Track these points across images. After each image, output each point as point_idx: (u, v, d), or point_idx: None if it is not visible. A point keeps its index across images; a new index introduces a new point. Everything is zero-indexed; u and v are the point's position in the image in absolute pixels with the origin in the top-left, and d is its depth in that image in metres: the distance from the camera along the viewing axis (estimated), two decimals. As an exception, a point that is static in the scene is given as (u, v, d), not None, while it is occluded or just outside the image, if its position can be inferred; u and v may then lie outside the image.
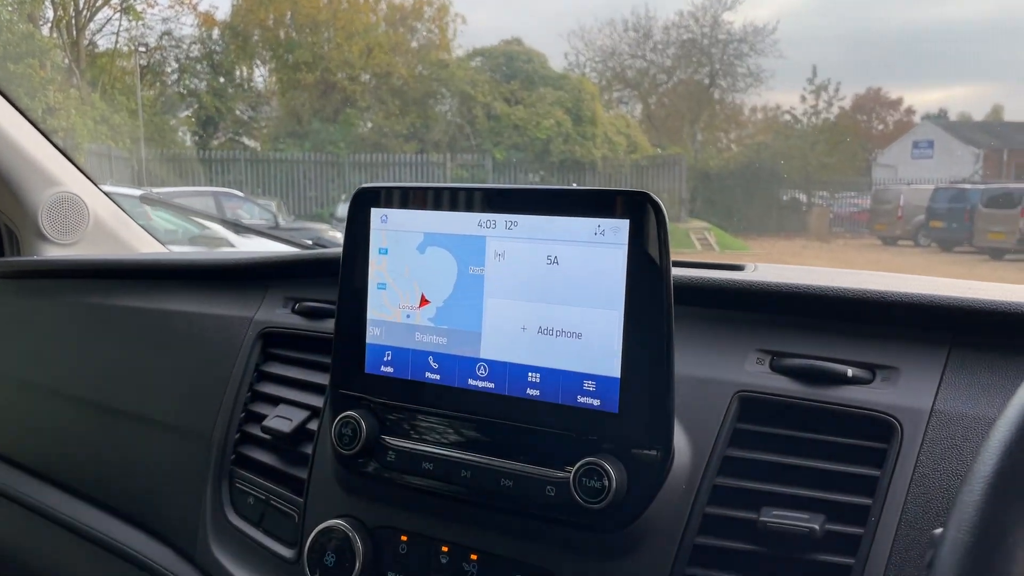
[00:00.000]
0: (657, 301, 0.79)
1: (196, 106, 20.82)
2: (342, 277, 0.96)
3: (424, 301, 0.93)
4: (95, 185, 1.85)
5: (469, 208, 0.89)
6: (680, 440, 0.84)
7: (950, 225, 15.17)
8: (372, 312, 0.95)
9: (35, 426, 1.48)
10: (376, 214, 0.95)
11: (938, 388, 0.80)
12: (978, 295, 0.82)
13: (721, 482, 0.83)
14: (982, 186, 16.67)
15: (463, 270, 0.90)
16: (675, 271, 0.80)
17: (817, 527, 0.76)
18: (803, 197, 20.75)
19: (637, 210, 0.80)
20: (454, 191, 0.90)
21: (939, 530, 0.56)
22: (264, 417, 1.11)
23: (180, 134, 20.67)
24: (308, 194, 17.56)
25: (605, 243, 0.82)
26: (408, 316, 0.93)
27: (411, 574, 0.93)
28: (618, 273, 0.81)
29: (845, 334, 0.87)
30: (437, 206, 0.91)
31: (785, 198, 20.56)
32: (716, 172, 20.97)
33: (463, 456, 0.89)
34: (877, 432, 0.80)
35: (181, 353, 1.26)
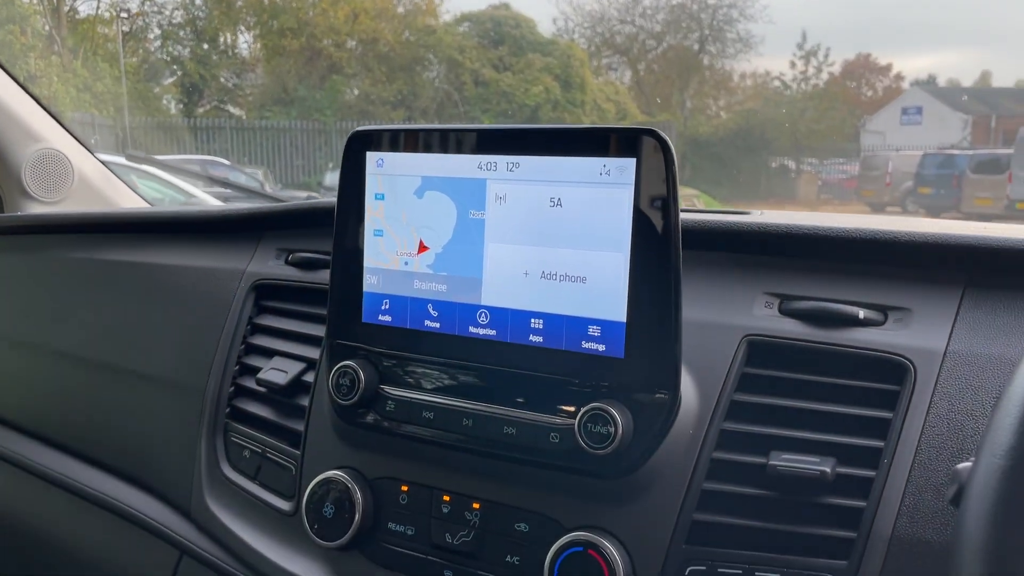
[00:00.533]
0: (665, 242, 0.77)
1: (180, 73, 20.53)
2: (337, 224, 0.93)
3: (422, 247, 0.90)
4: (79, 142, 1.81)
5: (469, 150, 0.86)
6: (687, 385, 0.82)
7: (938, 191, 15.20)
8: (369, 260, 0.93)
9: (24, 384, 1.45)
10: (371, 158, 0.92)
11: (952, 329, 0.78)
12: (992, 234, 0.80)
13: (729, 427, 0.81)
14: (970, 152, 16.70)
15: (463, 214, 0.87)
16: (681, 215, 0.78)
17: (828, 470, 0.75)
18: (792, 164, 20.75)
19: (644, 148, 0.77)
20: (453, 132, 0.87)
21: (964, 464, 0.54)
22: (258, 370, 1.08)
23: (164, 102, 20.41)
24: (295, 162, 17.40)
25: (610, 183, 0.80)
26: (406, 263, 0.91)
27: (412, 524, 0.91)
28: (624, 214, 0.79)
29: (856, 276, 0.85)
30: (435, 148, 0.88)
31: (774, 165, 20.56)
32: (705, 139, 20.92)
33: (464, 404, 0.87)
34: (889, 374, 0.78)
35: (172, 307, 1.23)
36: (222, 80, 21.41)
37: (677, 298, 0.77)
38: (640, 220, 0.77)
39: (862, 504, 0.75)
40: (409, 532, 0.91)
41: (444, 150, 0.87)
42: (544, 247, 0.83)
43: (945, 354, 0.77)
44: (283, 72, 20.22)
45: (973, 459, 0.54)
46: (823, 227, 0.86)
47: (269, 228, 1.21)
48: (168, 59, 20.79)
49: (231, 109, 21.09)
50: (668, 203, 0.76)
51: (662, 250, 0.77)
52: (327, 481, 0.93)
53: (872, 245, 0.84)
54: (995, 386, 0.73)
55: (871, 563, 0.72)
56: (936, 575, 0.69)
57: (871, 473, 0.75)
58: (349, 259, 0.93)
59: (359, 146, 0.92)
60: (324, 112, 18.62)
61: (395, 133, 0.90)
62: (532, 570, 0.83)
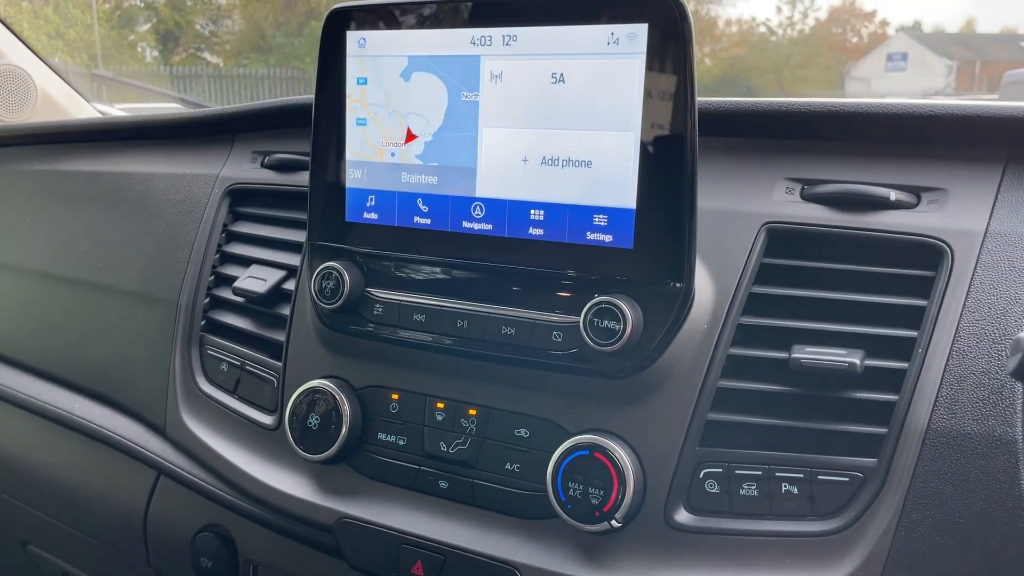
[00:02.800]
0: (680, 119, 0.69)
1: (155, 20, 20.01)
2: (315, 114, 0.85)
3: (410, 136, 0.82)
4: (42, 60, 1.70)
5: (460, 23, 0.78)
6: (701, 277, 0.76)
7: (923, 137, 15.14)
8: (351, 152, 0.85)
9: None
10: (352, 38, 0.83)
11: (993, 208, 0.72)
12: None
13: (747, 321, 0.75)
14: (955, 99, 16.62)
15: (454, 97, 0.80)
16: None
17: (857, 362, 0.69)
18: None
19: (657, 12, 0.70)
20: (443, 4, 0.78)
21: (1028, 330, 0.48)
22: (235, 280, 1.01)
23: (139, 49, 19.91)
24: (276, 109, 17.08)
25: (619, 54, 0.72)
26: (393, 154, 0.83)
27: (404, 434, 0.85)
28: (634, 88, 0.72)
29: (885, 157, 0.78)
30: (423, 24, 0.80)
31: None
32: (690, 86, 20.67)
33: (458, 305, 0.80)
34: (924, 259, 0.72)
35: (141, 217, 1.14)
36: (198, 27, 20.90)
37: (692, 182, 0.70)
38: (652, 94, 0.70)
39: (894, 397, 0.69)
40: (400, 442, 0.85)
41: (432, 25, 0.79)
42: (545, 130, 0.76)
43: (985, 235, 0.70)
44: (260, 19, 19.77)
45: None
46: (849, 105, 0.79)
47: (243, 130, 1.13)
48: (142, 5, 20.26)
49: (208, 57, 20.63)
50: (684, 74, 0.69)
51: (676, 128, 0.70)
52: (311, 391, 0.87)
53: (903, 122, 0.77)
54: None
55: (904, 460, 0.67)
56: (976, 467, 0.64)
57: (903, 365, 0.69)
58: (330, 152, 0.85)
59: (338, 25, 0.83)
60: (303, 59, 18.22)
61: (378, 8, 0.82)
62: (534, 477, 0.78)
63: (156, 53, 19.70)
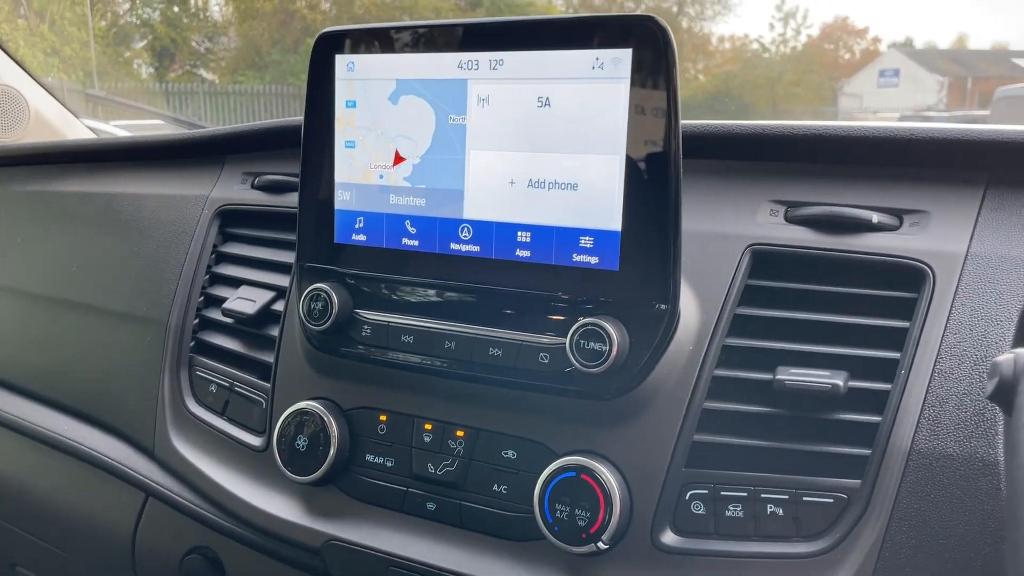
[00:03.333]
0: (664, 142, 0.70)
1: (150, 37, 20.07)
2: (305, 136, 0.86)
3: (399, 158, 0.83)
4: (35, 79, 1.71)
5: (447, 48, 0.79)
6: (687, 299, 0.76)
7: (916, 153, 15.20)
8: (340, 174, 0.86)
9: None
10: (341, 62, 0.84)
11: (973, 230, 0.73)
12: (1015, 129, 0.74)
13: (732, 342, 0.75)
14: (946, 114, 16.74)
15: (442, 120, 0.80)
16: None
17: (840, 383, 0.69)
18: (771, 127, 20.70)
19: (641, 37, 0.70)
20: (430, 29, 0.79)
21: (1006, 355, 0.49)
22: (224, 301, 1.01)
23: (135, 66, 19.96)
24: (270, 127, 17.11)
25: (604, 78, 0.73)
26: (381, 176, 0.84)
27: (391, 455, 0.85)
28: (619, 112, 0.72)
29: (867, 179, 0.79)
30: (411, 48, 0.81)
31: (753, 127, 20.48)
32: (684, 103, 20.78)
33: (446, 326, 0.80)
34: (906, 281, 0.73)
35: (131, 238, 1.15)
36: (194, 44, 20.97)
37: (677, 204, 0.71)
38: (637, 118, 0.71)
39: (877, 419, 0.69)
40: (388, 464, 0.85)
41: (420, 49, 0.80)
42: (531, 152, 0.77)
43: (967, 257, 0.71)
44: (256, 35, 19.84)
45: (1016, 351, 0.48)
46: (832, 128, 0.80)
47: (233, 151, 1.13)
48: (138, 22, 20.33)
49: (204, 74, 20.68)
50: (668, 97, 0.70)
51: (661, 152, 0.70)
52: (300, 413, 0.87)
53: (886, 145, 0.78)
54: (1022, 288, 0.68)
55: (887, 481, 0.67)
56: (959, 489, 0.64)
57: (886, 386, 0.70)
58: (319, 174, 0.86)
59: (327, 49, 0.84)
60: (299, 76, 18.25)
61: (366, 33, 0.82)
62: (521, 499, 0.78)
63: (152, 70, 19.75)
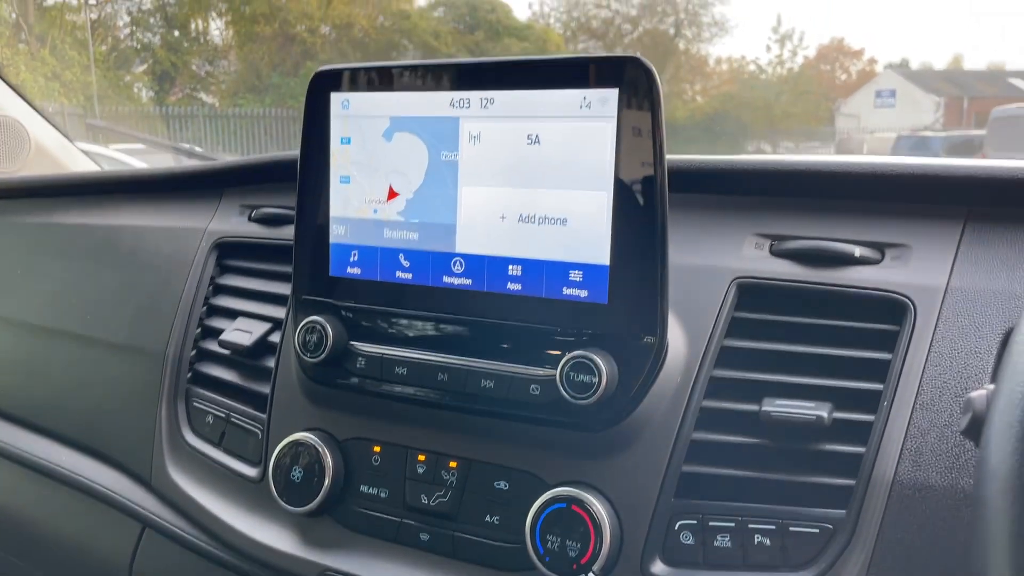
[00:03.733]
0: (650, 178, 0.72)
1: (151, 61, 20.23)
2: (301, 172, 0.88)
3: (392, 194, 0.85)
4: (35, 110, 1.73)
5: (440, 86, 0.81)
6: (674, 331, 0.78)
7: (912, 173, 15.25)
8: (335, 209, 0.87)
9: None
10: (336, 99, 0.86)
11: (953, 264, 0.74)
12: (994, 164, 0.76)
13: (719, 374, 0.77)
14: (943, 134, 16.84)
15: (434, 157, 0.82)
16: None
17: (824, 415, 0.71)
18: (768, 147, 20.85)
19: (628, 78, 0.72)
20: (423, 68, 0.81)
21: (978, 392, 0.50)
22: (221, 332, 1.03)
23: (136, 90, 20.10)
24: (270, 150, 17.18)
25: (591, 116, 0.75)
26: (375, 211, 0.86)
27: (385, 486, 0.86)
28: (606, 149, 0.74)
29: (850, 214, 0.81)
30: (404, 87, 0.83)
31: (750, 148, 20.62)
32: (682, 123, 20.96)
33: (439, 358, 0.82)
34: (888, 313, 0.74)
35: (130, 269, 1.16)
36: (194, 68, 21.13)
37: (663, 238, 0.72)
38: (623, 155, 0.73)
39: (861, 450, 0.70)
40: (382, 495, 0.86)
41: (414, 88, 0.82)
42: (521, 188, 0.79)
43: (946, 290, 0.73)
44: (256, 59, 20.00)
45: (988, 387, 0.50)
46: (815, 163, 0.81)
47: (231, 184, 1.15)
48: (138, 47, 20.49)
49: (204, 97, 20.83)
50: (654, 135, 0.72)
51: (647, 187, 0.72)
52: (295, 444, 0.88)
53: (867, 180, 0.79)
54: (1000, 322, 0.70)
55: (871, 510, 0.68)
56: (941, 519, 0.65)
57: (870, 417, 0.71)
58: (314, 209, 0.87)
59: (322, 87, 0.86)
60: (299, 99, 18.30)
61: (361, 71, 0.84)
62: (513, 529, 0.79)
63: (152, 93, 19.88)
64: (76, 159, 1.76)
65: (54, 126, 1.73)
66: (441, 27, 20.71)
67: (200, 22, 21.33)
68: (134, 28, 20.43)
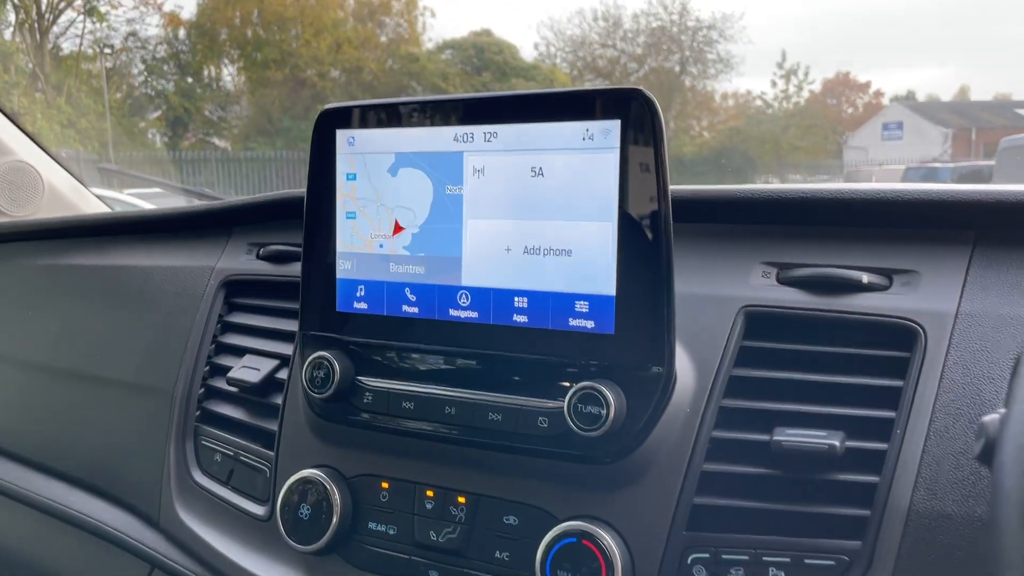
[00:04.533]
0: (654, 209, 0.72)
1: (164, 107, 20.55)
2: (307, 208, 0.88)
3: (398, 228, 0.85)
4: (48, 154, 1.75)
5: (444, 122, 0.81)
6: (682, 361, 0.77)
7: (922, 205, 15.22)
8: (342, 244, 0.88)
9: None
10: (342, 136, 0.87)
11: (963, 289, 0.74)
12: (1001, 188, 0.75)
13: (728, 403, 0.76)
14: (952, 165, 16.84)
15: (439, 191, 0.83)
16: (670, 187, 0.73)
17: (837, 444, 0.70)
18: (776, 181, 20.86)
19: (628, 109, 0.73)
20: (426, 104, 0.82)
21: (990, 416, 0.49)
22: (230, 369, 1.03)
23: (149, 136, 20.39)
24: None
25: (594, 148, 0.75)
26: (381, 246, 0.86)
27: (394, 523, 0.85)
28: (610, 181, 0.74)
29: (857, 240, 0.80)
30: (408, 122, 0.83)
31: (759, 182, 20.62)
32: (690, 159, 21.05)
33: (446, 392, 0.81)
34: (898, 340, 0.73)
35: (139, 309, 1.17)
36: (207, 113, 21.45)
37: (669, 268, 0.72)
38: (627, 186, 0.73)
39: (875, 479, 0.69)
40: (391, 532, 0.85)
41: (418, 124, 0.83)
42: (526, 220, 0.79)
43: (957, 316, 0.72)
44: (267, 103, 20.29)
45: (1001, 411, 0.49)
46: (821, 190, 0.81)
47: (239, 223, 1.16)
48: (152, 93, 20.83)
49: (216, 141, 21.11)
50: (656, 167, 0.72)
51: (651, 217, 0.72)
52: (303, 481, 0.88)
53: (874, 206, 0.79)
54: (1012, 346, 0.69)
55: (887, 541, 0.67)
56: (959, 549, 0.64)
57: (883, 445, 0.70)
58: (321, 245, 0.88)
59: (329, 124, 0.87)
60: (309, 141, 18.60)
61: (366, 109, 0.85)
62: (523, 565, 0.78)
63: (166, 139, 20.16)
64: (89, 201, 1.78)
65: (67, 170, 1.75)
66: (449, 69, 20.99)
67: (213, 68, 21.72)
68: (148, 76, 20.80)
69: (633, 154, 0.73)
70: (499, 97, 0.80)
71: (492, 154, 0.80)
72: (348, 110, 0.86)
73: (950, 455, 0.67)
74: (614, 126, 0.74)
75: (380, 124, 0.85)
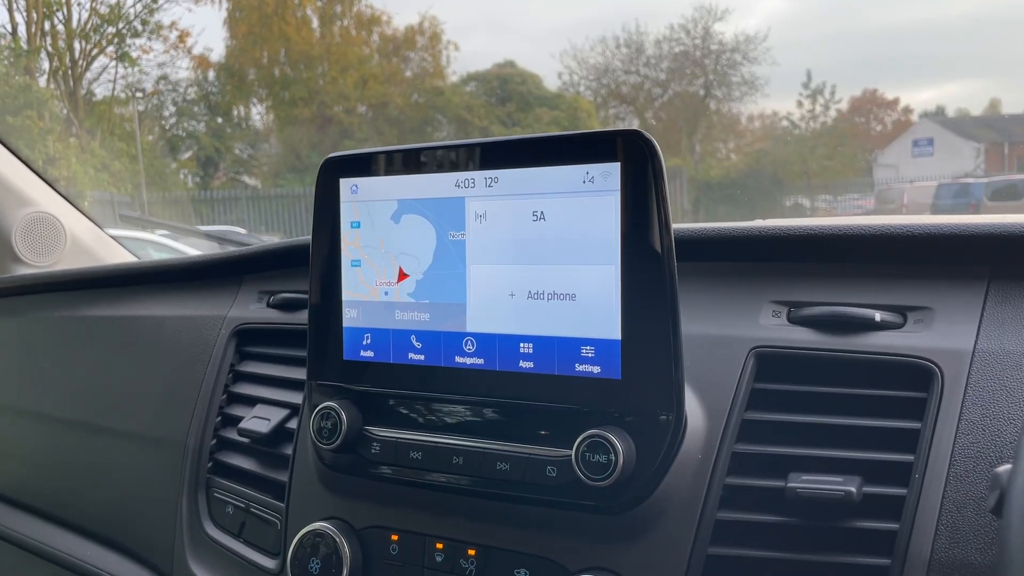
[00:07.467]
0: (657, 250, 0.70)
1: (195, 148, 20.93)
2: (312, 257, 0.88)
3: (402, 275, 0.84)
4: (71, 204, 1.78)
5: (445, 168, 0.81)
6: (692, 405, 0.75)
7: (956, 221, 15.02)
8: (347, 292, 0.87)
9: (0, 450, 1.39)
10: (345, 185, 0.87)
11: (979, 326, 0.71)
12: (1016, 221, 0.73)
13: (741, 448, 0.74)
14: (985, 180, 16.60)
15: (442, 237, 0.82)
16: (675, 226, 0.72)
17: (854, 490, 0.67)
18: (806, 202, 20.67)
19: (629, 151, 0.72)
20: (426, 151, 0.82)
21: (1004, 467, 0.47)
22: (241, 420, 1.02)
23: (181, 176, 20.76)
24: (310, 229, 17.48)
25: (595, 191, 0.74)
26: (386, 293, 0.85)
27: None
28: (611, 223, 0.73)
29: (869, 277, 0.78)
30: (410, 169, 0.83)
31: (788, 203, 20.47)
32: (718, 182, 20.95)
33: (454, 441, 0.80)
34: (914, 380, 0.71)
35: (151, 359, 1.17)
36: (237, 152, 21.82)
37: (675, 310, 0.70)
38: (629, 228, 0.72)
39: (894, 526, 0.67)
40: None
41: (419, 170, 0.82)
42: (529, 265, 0.78)
43: (974, 354, 0.69)
44: (296, 140, 20.59)
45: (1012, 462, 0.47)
46: (829, 227, 0.79)
47: (249, 271, 1.16)
48: (183, 134, 21.24)
49: (246, 179, 21.45)
50: (658, 207, 0.70)
51: (654, 259, 0.71)
52: (312, 534, 0.87)
53: (885, 242, 0.77)
54: None
55: None
56: None
57: (902, 491, 0.67)
58: (326, 293, 0.87)
59: (332, 173, 0.87)
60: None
61: (368, 157, 0.85)
62: None
63: (197, 179, 20.51)
64: (111, 249, 1.80)
65: (90, 219, 1.78)
66: (473, 101, 21.18)
67: (242, 108, 22.12)
68: (179, 117, 21.22)
69: (634, 196, 0.71)
70: (499, 142, 0.79)
71: (493, 199, 0.79)
72: (350, 159, 0.86)
73: (971, 501, 0.64)
74: (614, 168, 0.73)
75: (382, 172, 0.84)
